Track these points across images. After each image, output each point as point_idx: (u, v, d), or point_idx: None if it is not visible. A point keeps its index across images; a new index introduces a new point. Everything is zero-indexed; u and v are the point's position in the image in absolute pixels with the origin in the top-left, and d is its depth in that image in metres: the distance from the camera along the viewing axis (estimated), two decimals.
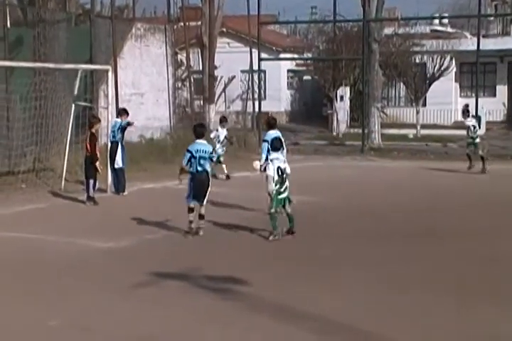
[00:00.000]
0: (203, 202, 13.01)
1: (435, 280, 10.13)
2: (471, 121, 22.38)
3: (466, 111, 22.83)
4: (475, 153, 22.14)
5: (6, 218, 14.75)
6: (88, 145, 16.20)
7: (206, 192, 13.00)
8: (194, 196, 12.94)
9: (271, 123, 14.74)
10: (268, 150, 13.40)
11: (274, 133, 14.23)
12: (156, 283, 9.96)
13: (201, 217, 13.07)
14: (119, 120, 17.83)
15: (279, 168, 12.51)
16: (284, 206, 12.67)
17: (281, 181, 12.54)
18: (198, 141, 13.10)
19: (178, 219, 13.56)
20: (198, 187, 12.90)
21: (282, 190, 12.56)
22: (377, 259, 11.40)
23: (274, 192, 12.46)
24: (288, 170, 12.72)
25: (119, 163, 17.56)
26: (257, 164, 13.31)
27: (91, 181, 16.19)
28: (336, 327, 8.22)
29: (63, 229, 13.66)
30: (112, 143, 17.60)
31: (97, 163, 16.22)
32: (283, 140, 13.50)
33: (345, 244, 12.52)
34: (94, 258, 11.48)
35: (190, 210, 12.98)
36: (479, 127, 24.07)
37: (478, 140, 22.28)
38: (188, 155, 12.83)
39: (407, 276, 10.39)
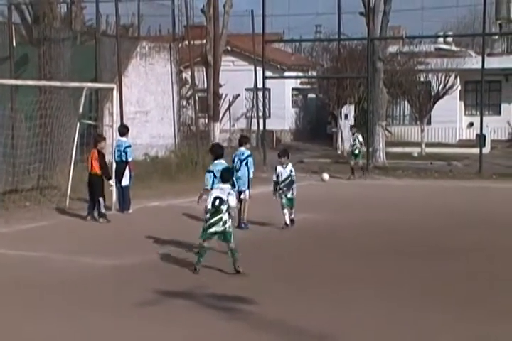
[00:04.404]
0: None
1: (443, 299, 10.06)
2: None
3: None
4: None
5: (10, 236, 14.70)
6: (97, 164, 16.19)
7: None
8: None
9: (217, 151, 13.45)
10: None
11: (220, 162, 13.10)
12: (161, 301, 9.89)
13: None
14: (124, 139, 17.70)
15: (216, 198, 11.29)
16: (225, 240, 11.43)
17: (214, 212, 11.28)
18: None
19: (183, 237, 13.49)
20: None
21: (213, 221, 11.29)
22: (386, 277, 11.34)
23: (205, 223, 11.42)
24: (232, 203, 11.32)
25: (125, 180, 17.50)
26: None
27: (101, 199, 16.28)
28: None
29: (67, 247, 13.59)
30: (118, 162, 17.53)
31: (111, 181, 16.71)
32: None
33: (351, 262, 12.45)
34: (98, 277, 11.40)
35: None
36: (484, 145, 23.98)
37: None
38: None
39: (410, 294, 10.32)
